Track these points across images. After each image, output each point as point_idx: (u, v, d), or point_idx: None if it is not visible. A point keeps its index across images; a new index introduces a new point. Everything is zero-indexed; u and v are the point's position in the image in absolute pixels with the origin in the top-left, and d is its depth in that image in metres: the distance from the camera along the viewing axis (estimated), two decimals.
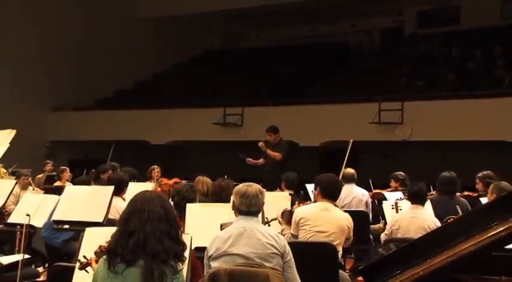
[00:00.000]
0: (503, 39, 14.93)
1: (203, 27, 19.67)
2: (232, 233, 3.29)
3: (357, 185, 7.01)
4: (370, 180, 8.20)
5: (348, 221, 4.47)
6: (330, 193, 4.56)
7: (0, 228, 5.76)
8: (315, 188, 4.72)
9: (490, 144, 11.78)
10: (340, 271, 4.39)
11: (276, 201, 5.18)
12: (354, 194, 6.77)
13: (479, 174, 6.13)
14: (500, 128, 11.40)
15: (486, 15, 16.34)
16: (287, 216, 4.62)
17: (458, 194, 5.99)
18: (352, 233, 4.51)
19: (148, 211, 2.60)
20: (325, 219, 4.37)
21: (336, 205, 4.66)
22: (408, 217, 4.99)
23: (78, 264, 3.05)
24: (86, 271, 2.98)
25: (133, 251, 2.52)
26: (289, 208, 4.85)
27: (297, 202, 5.36)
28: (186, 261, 2.79)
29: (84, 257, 3.02)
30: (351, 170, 7.03)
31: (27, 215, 4.49)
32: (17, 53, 14.87)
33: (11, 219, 5.42)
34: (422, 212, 4.99)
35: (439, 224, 4.79)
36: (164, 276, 2.51)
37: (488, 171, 6.09)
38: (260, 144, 8.03)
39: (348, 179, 6.94)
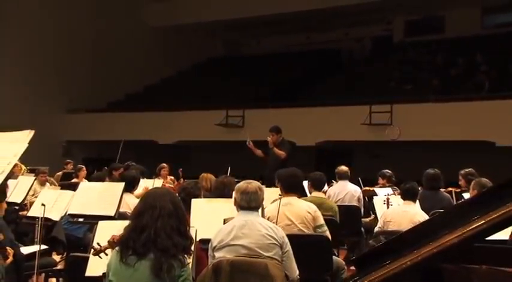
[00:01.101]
0: (483, 47, 14.98)
1: (207, 35, 19.69)
2: (234, 226, 3.29)
3: (350, 181, 7.00)
4: (359, 178, 8.21)
5: (308, 208, 4.28)
6: (290, 187, 4.43)
7: (21, 221, 5.78)
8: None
9: (472, 144, 11.79)
10: (335, 257, 4.39)
11: (274, 196, 5.17)
12: (347, 190, 6.76)
13: (462, 172, 6.13)
14: (481, 129, 11.43)
15: (468, 25, 16.38)
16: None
17: (442, 189, 6.00)
18: (321, 221, 4.27)
19: (160, 208, 2.58)
20: (287, 213, 4.25)
21: (299, 196, 4.51)
22: (400, 211, 4.98)
23: (92, 250, 3.06)
24: (100, 257, 2.99)
25: (144, 245, 2.52)
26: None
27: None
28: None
29: (98, 244, 3.04)
30: (344, 168, 7.01)
31: (42, 204, 4.49)
32: (36, 61, 14.95)
33: (30, 213, 5.44)
34: (414, 207, 4.98)
35: (427, 219, 4.79)
36: (172, 269, 2.50)
37: (470, 169, 6.08)
38: (269, 140, 7.87)
39: (342, 176, 6.94)
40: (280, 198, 4.16)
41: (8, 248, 3.40)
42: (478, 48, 14.94)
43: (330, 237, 4.33)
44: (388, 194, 6.01)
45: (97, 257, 3.04)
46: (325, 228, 4.30)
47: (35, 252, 4.21)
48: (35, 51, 14.97)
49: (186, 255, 2.60)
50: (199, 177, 5.76)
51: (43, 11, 15.13)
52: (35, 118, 12.47)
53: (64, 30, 15.56)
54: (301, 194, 4.86)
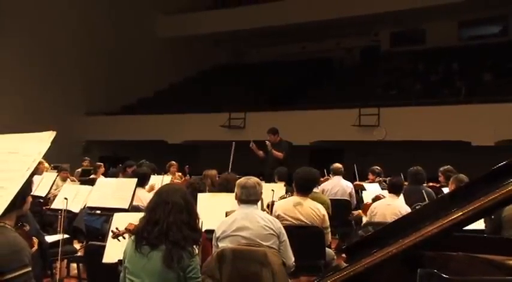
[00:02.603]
0: (460, 56, 15.02)
1: (212, 45, 19.69)
2: (236, 218, 3.29)
3: (343, 177, 6.99)
4: (356, 171, 8.19)
5: (318, 211, 4.19)
6: (302, 189, 4.30)
7: (45, 213, 5.79)
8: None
9: (450, 143, 11.80)
10: (327, 248, 4.39)
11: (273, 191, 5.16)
12: (340, 186, 6.76)
13: (441, 169, 6.13)
14: (458, 130, 11.46)
15: (446, 37, 16.41)
16: (272, 208, 4.48)
17: (424, 184, 6.00)
18: (327, 223, 4.22)
19: (172, 203, 2.57)
20: (297, 212, 4.19)
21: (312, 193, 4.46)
22: (384, 205, 4.97)
23: (111, 233, 3.04)
24: (118, 240, 2.98)
25: (157, 237, 2.51)
26: (271, 201, 4.64)
27: (289, 194, 5.25)
28: None
29: (117, 228, 3.03)
30: (339, 165, 7.00)
31: (65, 198, 4.50)
32: (57, 69, 15.01)
33: (53, 206, 5.45)
34: (397, 201, 4.96)
35: (409, 211, 4.78)
36: (182, 260, 2.50)
37: (449, 166, 6.09)
38: (267, 143, 7.81)
39: (336, 172, 6.94)
40: (288, 196, 4.11)
41: (33, 237, 3.40)
42: (455, 57, 14.98)
43: (330, 237, 4.35)
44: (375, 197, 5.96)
45: (114, 243, 3.02)
46: (329, 229, 4.28)
47: (58, 240, 4.22)
48: (60, 62, 15.06)
49: (194, 246, 2.59)
50: (203, 174, 5.76)
51: (65, 22, 15.15)
52: (57, 120, 12.47)
53: (83, 42, 15.61)
54: None
